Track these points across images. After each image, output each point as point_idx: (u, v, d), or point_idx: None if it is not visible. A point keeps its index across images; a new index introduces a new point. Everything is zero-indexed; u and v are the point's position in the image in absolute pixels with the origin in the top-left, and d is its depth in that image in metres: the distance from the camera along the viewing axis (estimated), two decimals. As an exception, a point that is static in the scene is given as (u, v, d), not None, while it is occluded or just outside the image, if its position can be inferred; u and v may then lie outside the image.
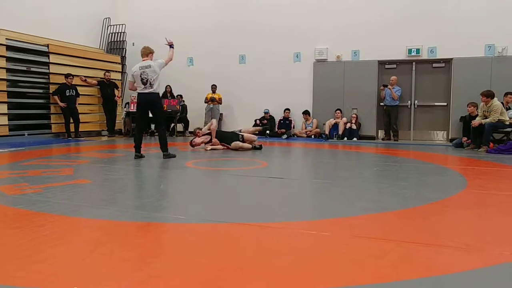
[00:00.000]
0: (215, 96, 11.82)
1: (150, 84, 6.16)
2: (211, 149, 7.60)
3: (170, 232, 2.60)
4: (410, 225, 2.78)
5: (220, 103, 11.89)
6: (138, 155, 6.29)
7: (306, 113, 11.25)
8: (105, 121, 11.75)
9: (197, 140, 7.74)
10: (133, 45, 13.19)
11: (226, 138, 7.79)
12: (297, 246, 2.33)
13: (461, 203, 3.53)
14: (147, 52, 6.36)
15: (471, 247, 2.27)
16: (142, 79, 6.13)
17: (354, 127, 10.51)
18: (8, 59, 9.33)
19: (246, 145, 7.66)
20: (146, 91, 6.18)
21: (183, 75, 12.62)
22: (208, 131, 7.85)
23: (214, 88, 11.89)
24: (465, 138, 8.51)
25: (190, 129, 11.60)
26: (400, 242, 2.35)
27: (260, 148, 7.77)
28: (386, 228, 2.70)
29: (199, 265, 2.03)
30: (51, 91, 10.38)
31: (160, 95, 6.27)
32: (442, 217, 3.02)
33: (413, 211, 3.17)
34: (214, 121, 8.09)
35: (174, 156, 6.38)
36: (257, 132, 8.50)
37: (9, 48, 9.33)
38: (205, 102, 11.86)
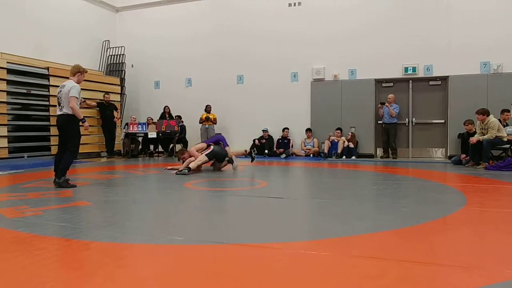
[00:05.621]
0: (210, 116, 11.90)
1: (60, 105, 5.52)
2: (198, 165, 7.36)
3: (169, 254, 2.59)
4: (409, 244, 2.77)
5: (215, 123, 11.95)
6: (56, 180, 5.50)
7: (309, 130, 11.28)
8: (104, 143, 11.81)
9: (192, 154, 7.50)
10: (132, 66, 13.36)
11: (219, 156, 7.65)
12: (297, 266, 2.32)
13: (461, 221, 3.53)
14: (73, 71, 5.66)
15: (472, 266, 2.27)
16: (57, 99, 5.56)
17: (351, 145, 10.54)
18: (9, 82, 9.44)
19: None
20: (59, 112, 5.57)
21: (181, 95, 12.77)
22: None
23: (208, 108, 11.98)
24: (463, 155, 8.54)
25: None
26: (400, 262, 2.35)
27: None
28: (386, 247, 2.70)
29: (199, 287, 2.02)
30: (51, 113, 10.44)
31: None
32: (442, 236, 3.02)
33: (413, 229, 3.16)
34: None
35: (73, 186, 5.49)
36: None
37: (10, 71, 9.44)
38: (200, 123, 11.93)
